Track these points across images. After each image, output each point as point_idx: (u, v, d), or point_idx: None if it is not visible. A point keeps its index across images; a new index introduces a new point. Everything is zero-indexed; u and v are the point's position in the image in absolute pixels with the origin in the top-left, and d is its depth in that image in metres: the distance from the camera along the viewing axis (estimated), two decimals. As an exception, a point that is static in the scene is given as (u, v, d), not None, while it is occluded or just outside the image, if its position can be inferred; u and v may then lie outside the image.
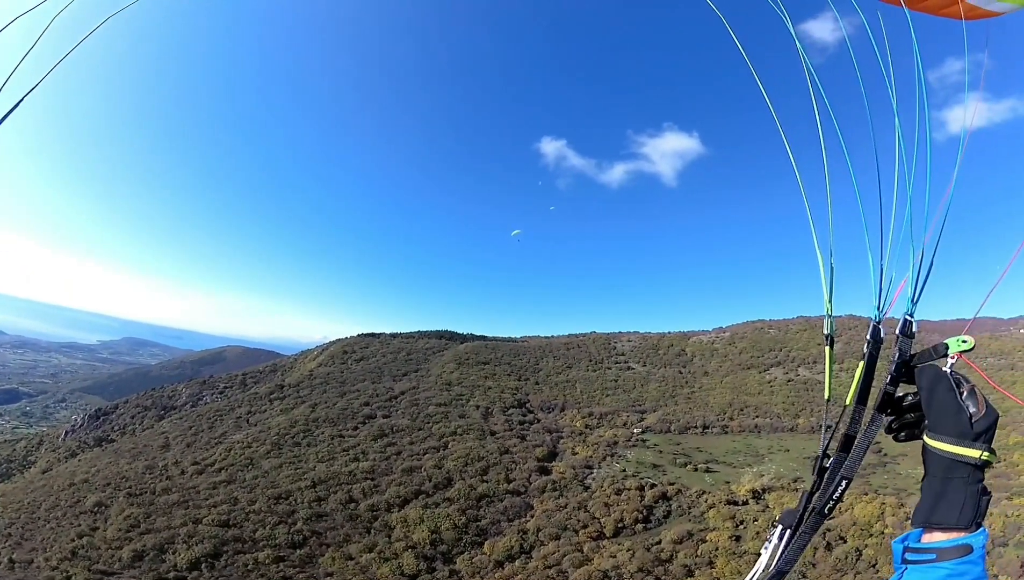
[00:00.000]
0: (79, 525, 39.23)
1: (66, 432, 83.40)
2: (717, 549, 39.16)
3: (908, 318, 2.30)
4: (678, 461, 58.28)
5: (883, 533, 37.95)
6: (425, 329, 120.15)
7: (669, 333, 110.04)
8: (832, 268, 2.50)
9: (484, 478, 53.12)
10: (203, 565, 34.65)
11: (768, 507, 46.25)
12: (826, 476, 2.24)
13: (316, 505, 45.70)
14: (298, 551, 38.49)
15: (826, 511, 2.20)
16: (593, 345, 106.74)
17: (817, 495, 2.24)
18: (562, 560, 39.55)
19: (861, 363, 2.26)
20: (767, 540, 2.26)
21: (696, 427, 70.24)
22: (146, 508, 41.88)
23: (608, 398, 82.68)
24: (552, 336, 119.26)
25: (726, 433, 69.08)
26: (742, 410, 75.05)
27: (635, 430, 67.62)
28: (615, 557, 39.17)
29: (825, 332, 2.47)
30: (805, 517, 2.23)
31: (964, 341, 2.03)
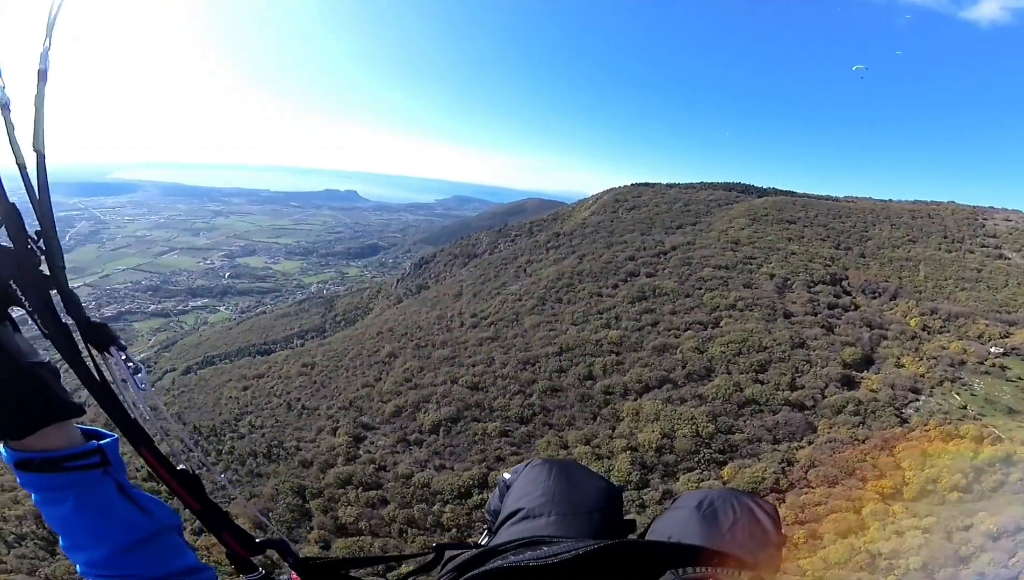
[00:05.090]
0: (367, 375, 47.32)
1: (397, 281, 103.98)
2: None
3: None
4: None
5: None
6: (709, 180, 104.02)
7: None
8: None
9: (759, 377, 42.95)
10: (441, 429, 38.87)
11: None
12: None
13: (556, 377, 45.07)
14: (522, 428, 39.53)
15: None
16: (951, 217, 76.87)
17: None
18: (823, 517, 30.50)
19: None
20: None
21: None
22: (422, 361, 48.56)
23: (963, 294, 58.53)
24: (890, 200, 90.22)
25: None
26: None
27: (992, 348, 46.44)
28: (900, 536, 27.83)
29: None
30: None
31: None
